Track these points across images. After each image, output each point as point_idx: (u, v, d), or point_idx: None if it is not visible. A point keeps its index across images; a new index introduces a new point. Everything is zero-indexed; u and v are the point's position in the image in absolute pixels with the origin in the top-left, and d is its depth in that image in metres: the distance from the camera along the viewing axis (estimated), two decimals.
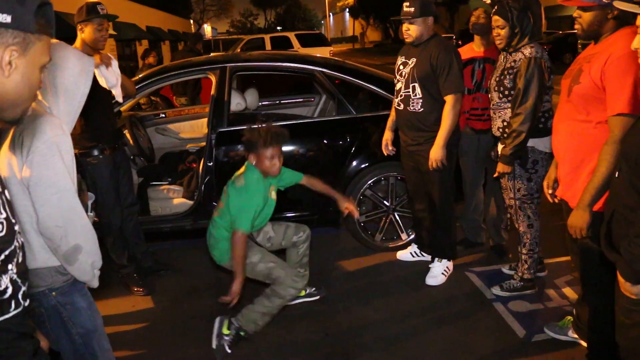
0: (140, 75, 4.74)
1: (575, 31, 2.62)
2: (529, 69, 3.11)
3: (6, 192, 1.20)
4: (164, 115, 5.94)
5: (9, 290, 1.21)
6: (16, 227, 1.21)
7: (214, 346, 3.14)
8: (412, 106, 3.61)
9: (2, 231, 1.14)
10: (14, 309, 1.24)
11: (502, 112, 3.35)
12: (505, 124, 3.35)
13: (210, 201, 4.22)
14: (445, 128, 3.49)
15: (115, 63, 3.57)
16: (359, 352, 3.12)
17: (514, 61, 3.24)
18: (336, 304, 3.64)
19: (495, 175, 3.42)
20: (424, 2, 3.50)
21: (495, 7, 3.25)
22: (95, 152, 3.61)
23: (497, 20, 3.24)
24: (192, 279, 4.11)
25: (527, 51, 3.17)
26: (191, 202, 4.41)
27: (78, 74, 2.00)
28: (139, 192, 4.58)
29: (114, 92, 3.60)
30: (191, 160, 4.95)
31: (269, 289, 3.15)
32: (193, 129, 5.82)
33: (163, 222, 4.36)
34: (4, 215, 1.14)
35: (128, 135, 4.58)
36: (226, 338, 3.15)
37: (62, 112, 1.95)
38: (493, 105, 3.43)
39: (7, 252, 1.18)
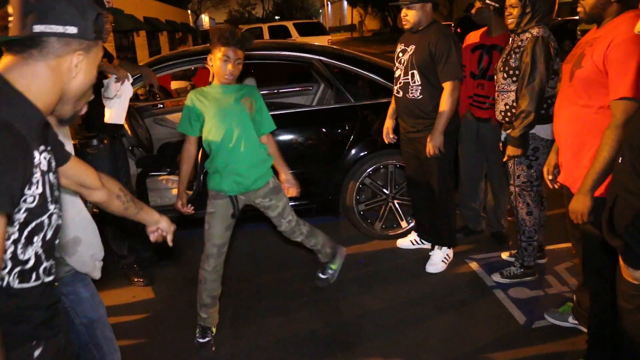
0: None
1: (576, 17, 2.60)
2: (535, 48, 3.09)
3: (50, 174, 1.32)
4: (162, 106, 5.92)
5: (31, 262, 1.32)
6: (51, 207, 1.32)
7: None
8: (411, 93, 3.59)
9: (32, 203, 1.25)
10: (34, 281, 1.34)
11: (506, 96, 3.33)
12: (507, 107, 3.32)
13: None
14: (443, 115, 3.48)
15: (128, 87, 3.59)
16: (359, 340, 3.12)
17: (521, 41, 3.22)
18: (336, 293, 3.64)
19: (504, 159, 3.40)
20: None
21: None
22: (95, 142, 3.59)
23: (510, 0, 3.22)
24: (191, 270, 4.07)
25: (535, 31, 3.15)
26: (190, 192, 4.39)
27: None
28: (138, 182, 4.57)
29: (106, 106, 3.56)
30: None
31: None
32: None
33: (162, 213, 4.32)
34: (40, 190, 1.26)
35: (126, 126, 4.55)
36: (196, 335, 3.17)
37: None
38: (498, 87, 3.41)
39: (33, 225, 1.29)
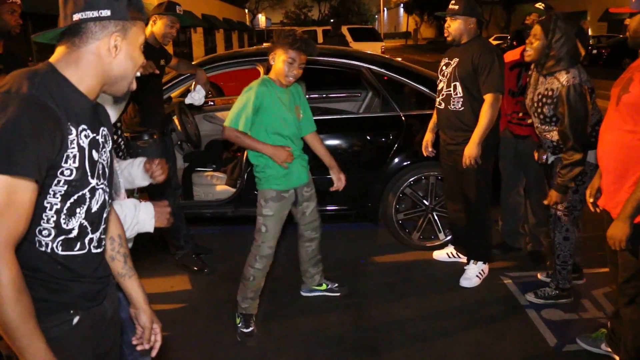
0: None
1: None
2: (570, 101, 3.02)
3: (94, 152, 1.42)
4: (212, 103, 6.07)
5: (75, 232, 1.42)
6: (92, 181, 1.41)
7: (239, 339, 3.25)
8: (453, 105, 3.62)
9: (70, 176, 1.35)
10: (78, 250, 1.44)
11: (550, 134, 3.28)
12: (554, 144, 3.27)
13: (252, 189, 4.30)
14: (481, 126, 3.49)
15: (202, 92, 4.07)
16: (386, 347, 3.15)
17: (551, 90, 3.12)
18: (369, 299, 3.68)
19: (545, 203, 3.33)
20: (469, 3, 3.54)
21: (544, 17, 3.18)
22: (145, 137, 3.74)
23: (536, 29, 3.15)
24: (228, 265, 4.21)
25: (564, 78, 3.05)
26: (233, 190, 4.51)
27: None
28: (184, 177, 4.71)
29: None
30: (236, 148, 5.04)
31: None
32: None
33: (205, 208, 4.48)
34: (77, 165, 1.36)
35: (176, 122, 4.71)
36: (239, 326, 3.27)
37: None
38: (537, 129, 3.35)
39: (75, 197, 1.39)
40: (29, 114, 1.23)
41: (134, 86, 1.52)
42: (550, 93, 3.14)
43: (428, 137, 3.94)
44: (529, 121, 3.76)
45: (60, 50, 1.41)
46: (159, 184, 3.77)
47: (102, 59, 1.41)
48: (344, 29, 21.60)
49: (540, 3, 3.81)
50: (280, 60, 3.02)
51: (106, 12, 1.37)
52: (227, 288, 3.83)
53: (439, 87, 3.74)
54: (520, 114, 3.87)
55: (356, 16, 70.22)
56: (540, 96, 3.22)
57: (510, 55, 4.00)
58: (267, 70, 3.22)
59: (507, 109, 3.92)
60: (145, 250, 4.19)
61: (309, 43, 3.03)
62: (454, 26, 3.60)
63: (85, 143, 1.38)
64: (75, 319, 1.46)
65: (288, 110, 3.14)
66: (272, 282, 3.88)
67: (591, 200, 2.84)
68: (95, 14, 1.36)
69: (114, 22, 1.39)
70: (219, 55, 5.09)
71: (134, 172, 2.07)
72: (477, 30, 3.62)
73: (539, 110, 3.24)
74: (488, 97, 3.49)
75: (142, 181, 2.13)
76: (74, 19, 1.36)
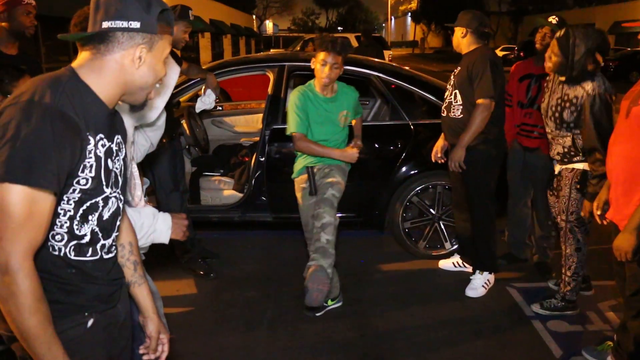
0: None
1: None
2: (594, 109, 3.00)
3: (110, 161, 1.43)
4: (221, 108, 6.09)
5: (87, 238, 1.43)
6: (107, 190, 1.43)
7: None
8: (453, 113, 3.69)
9: (85, 185, 1.37)
10: (91, 255, 1.46)
11: (562, 141, 3.25)
12: (565, 150, 3.26)
13: (260, 195, 4.32)
14: (468, 130, 3.56)
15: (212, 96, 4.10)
16: (392, 355, 3.16)
17: (575, 97, 3.10)
18: (374, 307, 3.68)
19: (582, 215, 3.23)
20: (464, 14, 3.68)
21: (562, 32, 3.14)
22: None
23: (554, 45, 3.15)
24: (234, 269, 4.22)
25: (589, 87, 3.04)
26: (241, 195, 4.52)
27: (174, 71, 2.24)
28: (191, 181, 4.73)
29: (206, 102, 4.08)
30: (244, 154, 5.07)
31: None
32: (248, 123, 5.95)
33: (212, 212, 4.49)
34: (93, 174, 1.37)
35: (185, 126, 4.73)
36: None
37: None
38: (550, 132, 3.33)
39: (88, 204, 1.40)
40: (51, 125, 1.24)
41: (152, 96, 1.53)
42: (575, 100, 3.11)
43: (439, 143, 3.95)
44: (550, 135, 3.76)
45: (84, 56, 1.41)
46: (165, 188, 3.83)
47: (125, 69, 1.41)
48: (351, 37, 21.69)
49: (553, 17, 3.83)
50: (317, 62, 3.30)
51: (136, 24, 1.37)
52: (233, 292, 3.85)
53: (445, 95, 3.82)
54: (530, 126, 3.87)
55: (364, 24, 70.41)
56: (559, 100, 3.21)
57: (522, 67, 4.01)
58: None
59: (516, 120, 3.93)
60: (152, 253, 4.19)
61: (335, 42, 3.25)
62: (454, 36, 3.77)
63: (101, 152, 1.39)
64: (90, 322, 1.47)
65: (325, 118, 3.40)
66: (279, 288, 3.90)
67: (599, 212, 2.84)
68: (124, 24, 1.36)
69: (141, 34, 1.39)
70: (228, 61, 5.11)
71: (158, 226, 1.99)
72: (475, 40, 3.66)
73: (557, 114, 3.22)
74: (478, 103, 3.54)
75: (165, 238, 2.02)
76: (102, 26, 1.36)
